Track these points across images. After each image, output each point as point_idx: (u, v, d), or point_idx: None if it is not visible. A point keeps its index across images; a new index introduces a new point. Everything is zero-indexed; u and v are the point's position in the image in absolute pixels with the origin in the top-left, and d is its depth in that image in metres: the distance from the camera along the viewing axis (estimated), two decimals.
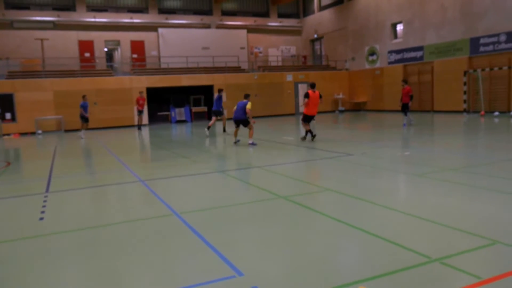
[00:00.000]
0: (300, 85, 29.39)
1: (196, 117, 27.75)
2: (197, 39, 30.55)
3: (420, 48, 24.57)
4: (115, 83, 24.76)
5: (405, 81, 17.44)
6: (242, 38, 32.38)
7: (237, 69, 29.76)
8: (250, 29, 32.90)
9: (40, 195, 7.28)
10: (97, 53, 28.68)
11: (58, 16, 27.29)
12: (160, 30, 29.78)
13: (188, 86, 26.79)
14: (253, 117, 13.35)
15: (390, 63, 26.85)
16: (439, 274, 3.52)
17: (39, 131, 22.59)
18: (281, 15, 34.53)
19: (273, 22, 33.91)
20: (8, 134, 21.69)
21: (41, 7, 27.39)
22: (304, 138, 13.27)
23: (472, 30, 21.52)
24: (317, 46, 34.75)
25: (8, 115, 22.44)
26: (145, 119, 25.16)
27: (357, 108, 30.01)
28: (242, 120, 12.79)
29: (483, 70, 20.83)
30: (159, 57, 29.86)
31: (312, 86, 13.54)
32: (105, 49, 29.79)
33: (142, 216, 5.81)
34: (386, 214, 5.28)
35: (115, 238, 4.90)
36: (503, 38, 20.11)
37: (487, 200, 5.70)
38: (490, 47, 20.72)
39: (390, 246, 4.14)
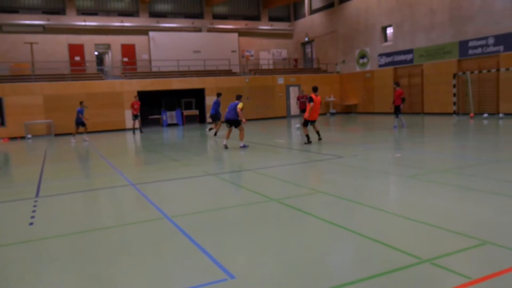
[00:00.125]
0: (291, 88, 29.47)
1: (188, 120, 27.69)
2: (188, 43, 30.52)
3: (410, 51, 24.77)
4: (105, 87, 24.62)
5: (397, 84, 17.57)
6: (233, 41, 32.41)
7: (229, 73, 29.76)
8: (241, 33, 32.95)
9: (30, 200, 7.21)
10: (87, 57, 28.51)
11: (48, 19, 27.09)
12: (151, 33, 29.70)
13: (180, 89, 26.72)
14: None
15: (380, 66, 27.03)
16: (430, 275, 3.54)
17: (29, 136, 22.38)
18: (272, 19, 34.64)
19: (264, 26, 34.01)
20: None
21: (31, 10, 27.18)
22: (308, 142, 13.03)
23: (461, 33, 21.76)
24: (308, 49, 34.89)
25: None
26: (136, 122, 25.04)
27: (348, 111, 30.16)
28: (233, 120, 12.81)
29: (472, 72, 21.06)
30: (150, 61, 29.78)
31: (315, 90, 13.35)
32: (96, 53, 29.63)
33: (134, 220, 5.78)
34: (377, 215, 5.30)
35: (106, 242, 4.87)
36: (491, 41, 20.35)
37: (477, 201, 5.76)
38: (479, 50, 20.96)
39: (382, 247, 4.16)
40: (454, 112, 21.96)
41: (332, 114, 29.88)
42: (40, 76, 24.61)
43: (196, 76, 27.58)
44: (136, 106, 21.63)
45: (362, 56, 28.47)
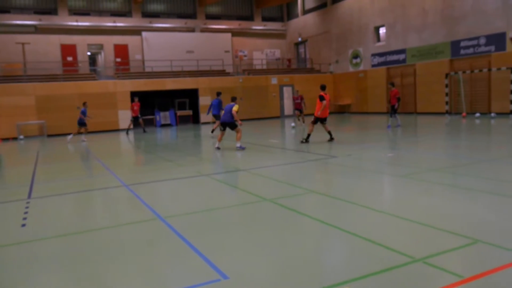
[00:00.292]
0: (285, 88, 29.51)
1: (181, 120, 27.63)
2: (181, 43, 30.46)
3: (402, 51, 24.90)
4: (98, 87, 24.51)
5: (392, 84, 17.66)
6: (227, 41, 32.39)
7: (222, 73, 29.75)
8: (235, 33, 32.94)
9: (22, 201, 7.16)
10: (80, 57, 28.37)
11: (40, 19, 26.91)
12: (144, 33, 29.60)
13: (173, 89, 26.66)
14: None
15: (373, 66, 27.15)
16: (422, 274, 3.57)
17: (21, 136, 22.23)
18: (265, 19, 34.67)
19: (258, 26, 34.02)
20: None
21: (22, 10, 26.98)
22: (306, 141, 13.04)
23: (453, 33, 21.91)
24: (301, 50, 34.95)
25: None
26: (132, 124, 24.97)
27: (341, 111, 30.25)
28: (229, 123, 12.65)
29: (464, 72, 21.21)
30: (143, 61, 29.68)
31: (323, 88, 13.34)
32: (88, 53, 29.49)
33: (127, 220, 5.76)
34: (370, 215, 5.32)
35: (99, 243, 4.85)
36: (482, 41, 20.51)
37: (469, 200, 5.80)
38: (471, 50, 21.12)
39: (375, 247, 4.18)
40: (447, 112, 22.10)
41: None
42: (32, 76, 24.45)
43: (190, 76, 27.54)
44: (135, 108, 21.61)
45: (355, 56, 28.57)
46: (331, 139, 13.15)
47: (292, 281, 3.55)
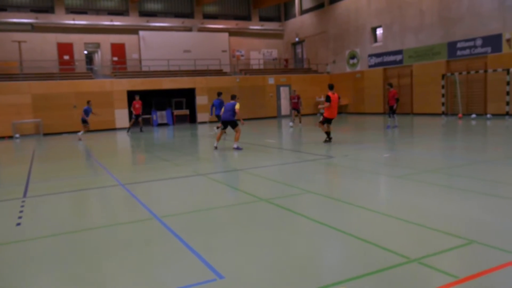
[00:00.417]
0: (282, 88, 29.52)
1: (178, 120, 27.60)
2: (178, 42, 30.42)
3: (399, 52, 24.96)
4: (95, 86, 24.44)
5: (390, 85, 17.69)
6: (224, 41, 32.38)
7: (219, 72, 29.74)
8: (232, 32, 32.92)
9: (17, 200, 7.13)
10: (76, 56, 28.28)
11: (36, 18, 26.81)
12: (141, 32, 29.54)
13: (170, 89, 26.63)
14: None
15: (370, 66, 27.20)
16: (418, 274, 3.58)
17: (17, 135, 22.14)
18: (262, 19, 34.67)
19: (255, 26, 34.02)
20: None
21: (19, 8, 26.87)
22: (329, 140, 13.03)
23: (450, 34, 21.98)
24: (298, 50, 34.97)
25: None
26: (125, 122, 24.93)
27: (338, 111, 30.16)
28: (230, 121, 12.48)
29: (460, 73, 21.28)
30: (140, 60, 29.62)
31: (331, 87, 13.26)
32: (85, 52, 29.40)
33: (123, 220, 5.75)
34: (366, 215, 5.34)
35: (95, 243, 4.84)
36: (479, 42, 20.59)
37: (464, 201, 5.82)
38: (467, 51, 21.19)
39: (370, 247, 4.19)
40: (443, 113, 22.17)
41: (323, 114, 29.94)
42: (29, 75, 24.36)
43: (187, 75, 27.50)
44: (137, 106, 21.63)
45: (352, 56, 28.62)
46: (329, 139, 13.07)
47: (288, 281, 3.56)
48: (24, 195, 7.58)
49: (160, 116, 26.94)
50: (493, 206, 5.51)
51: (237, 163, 10.53)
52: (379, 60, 26.47)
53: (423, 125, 18.12)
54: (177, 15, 31.45)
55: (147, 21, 30.00)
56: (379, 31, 26.80)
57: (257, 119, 27.90)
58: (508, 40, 19.43)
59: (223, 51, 32.10)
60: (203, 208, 6.08)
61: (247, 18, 34.14)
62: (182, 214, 5.85)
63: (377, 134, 15.40)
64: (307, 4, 32.73)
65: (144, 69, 29.14)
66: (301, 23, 33.26)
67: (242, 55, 33.55)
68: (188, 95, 27.85)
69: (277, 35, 35.27)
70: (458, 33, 21.53)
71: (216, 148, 12.75)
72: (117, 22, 29.02)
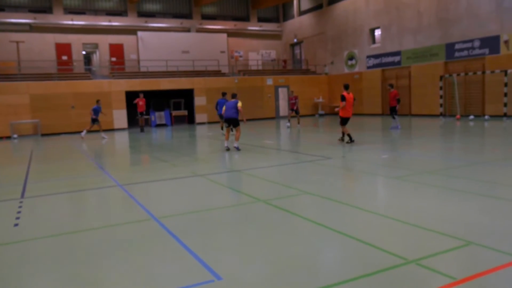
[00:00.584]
0: (280, 89, 29.54)
1: (176, 121, 27.59)
2: (177, 43, 30.41)
3: (397, 53, 25.00)
4: (93, 86, 24.41)
5: (391, 85, 17.74)
6: (222, 42, 32.38)
7: (218, 73, 29.73)
8: (230, 33, 32.93)
9: (15, 201, 7.12)
10: (75, 56, 28.24)
11: (35, 18, 26.78)
12: (139, 33, 29.53)
13: (168, 90, 26.62)
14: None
15: (368, 67, 27.23)
16: (415, 275, 3.58)
17: (15, 135, 22.09)
18: (261, 19, 34.68)
19: (253, 26, 34.03)
20: None
21: (17, 9, 26.83)
22: (342, 140, 12.97)
23: (448, 36, 22.03)
24: (297, 51, 35.00)
25: None
26: (124, 123, 24.91)
27: (336, 112, 30.26)
28: (233, 119, 12.33)
29: (458, 75, 21.32)
30: (138, 61, 29.60)
31: (346, 87, 13.17)
32: (83, 52, 29.37)
33: (121, 221, 5.74)
34: (363, 216, 5.34)
35: (93, 243, 4.83)
36: (477, 44, 20.64)
37: (462, 202, 5.83)
38: (465, 53, 21.24)
39: (368, 248, 4.20)
40: (441, 114, 22.21)
41: (321, 115, 30.01)
42: (27, 75, 24.32)
43: (185, 76, 27.49)
44: (141, 103, 21.67)
45: (351, 57, 28.66)
46: (341, 140, 12.90)
47: (285, 282, 3.56)
48: (22, 195, 7.56)
49: (159, 116, 26.92)
50: (490, 207, 5.52)
51: (235, 164, 10.53)
52: (377, 61, 26.51)
53: (421, 126, 18.15)
54: (176, 15, 31.45)
55: (146, 22, 29.98)
56: (377, 32, 26.84)
57: (255, 119, 27.89)
58: (505, 42, 19.48)
59: (222, 52, 32.10)
60: (201, 209, 6.08)
61: (246, 19, 34.15)
62: (180, 215, 5.84)
63: (375, 135, 15.41)
64: (305, 5, 32.76)
65: (142, 69, 29.12)
66: (300, 24, 33.29)
67: (240, 56, 33.56)
68: (187, 95, 27.84)
69: (276, 36, 35.29)
70: (456, 35, 21.58)
71: (228, 149, 12.43)
72: (116, 22, 28.99)
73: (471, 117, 20.44)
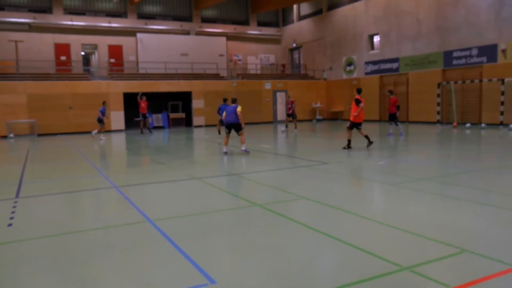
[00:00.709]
0: (278, 94, 29.58)
1: (174, 123, 27.57)
2: (176, 45, 30.45)
3: (395, 60, 25.10)
4: (91, 87, 24.39)
5: (391, 92, 17.76)
6: (222, 45, 32.43)
7: (216, 76, 29.76)
8: (230, 37, 33.00)
9: (9, 201, 7.09)
10: (73, 57, 28.23)
11: (34, 18, 26.78)
12: (138, 35, 29.56)
13: (166, 92, 26.63)
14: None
15: (367, 73, 27.32)
16: (409, 282, 3.58)
17: (11, 135, 22.02)
18: (260, 24, 34.78)
19: (253, 30, 34.12)
20: None
21: (17, 8, 26.83)
22: (348, 147, 12.68)
23: (446, 43, 22.15)
24: (295, 55, 35.10)
25: None
26: (121, 124, 24.87)
27: (334, 117, 30.37)
28: (235, 124, 12.28)
29: (455, 82, 21.42)
30: (137, 62, 29.61)
31: (359, 91, 13.00)
32: (82, 53, 29.36)
33: (116, 222, 5.72)
34: (359, 222, 5.34)
35: (88, 245, 4.81)
36: (474, 52, 20.75)
37: (456, 210, 5.84)
38: (463, 61, 21.35)
39: (363, 254, 4.19)
40: (438, 121, 22.28)
41: (318, 120, 30.07)
42: (25, 75, 24.28)
43: (184, 79, 27.50)
44: (143, 105, 21.72)
45: (349, 63, 28.75)
46: (370, 143, 12.71)
47: (280, 287, 3.55)
48: (17, 195, 7.53)
49: (156, 119, 26.90)
50: (486, 215, 5.53)
51: (231, 167, 10.53)
52: (375, 67, 26.60)
53: (418, 133, 18.20)
54: (175, 18, 31.50)
55: (145, 24, 30.02)
56: (376, 39, 26.95)
57: (253, 123, 27.90)
58: (503, 51, 19.59)
59: (221, 55, 32.15)
60: (197, 212, 6.07)
61: (245, 22, 34.24)
62: (175, 217, 5.83)
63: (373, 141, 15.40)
64: (305, 10, 32.88)
65: (141, 71, 29.12)
66: (299, 29, 33.39)
67: (239, 60, 33.61)
68: (185, 98, 27.85)
69: (275, 41, 35.38)
70: (454, 43, 21.70)
71: (225, 153, 12.42)
72: (115, 24, 29.03)
73: (468, 125, 20.51)
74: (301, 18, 33.35)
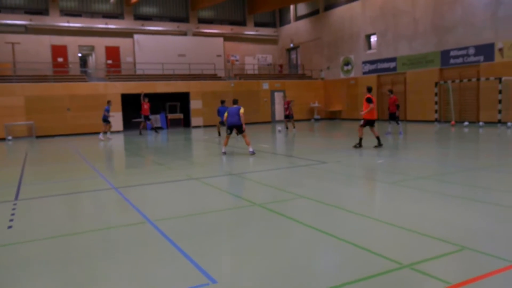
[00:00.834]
0: (276, 94, 29.59)
1: (172, 124, 27.56)
2: (173, 46, 30.42)
3: (393, 59, 25.14)
4: (89, 89, 24.36)
5: (390, 91, 17.79)
6: (219, 46, 32.42)
7: (214, 77, 29.76)
8: (227, 37, 33.00)
9: (8, 203, 7.07)
10: (70, 58, 28.18)
11: (30, 20, 26.71)
12: (136, 36, 29.51)
13: (164, 93, 26.61)
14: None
15: (364, 73, 27.36)
16: (410, 280, 3.59)
17: (9, 137, 21.97)
18: (257, 24, 34.79)
19: (250, 31, 34.13)
20: None
21: (13, 10, 26.75)
22: (359, 146, 12.63)
23: (443, 43, 22.20)
24: (293, 55, 35.12)
25: None
26: (119, 125, 24.83)
27: (332, 117, 30.40)
28: (237, 125, 12.23)
29: (453, 81, 21.47)
30: (134, 64, 29.57)
31: (370, 90, 12.99)
32: (79, 54, 29.30)
33: (115, 223, 5.72)
34: (358, 221, 5.35)
35: (87, 246, 4.80)
36: (471, 51, 20.81)
37: (456, 208, 5.86)
38: (460, 60, 21.40)
39: (363, 252, 4.20)
40: (436, 120, 22.33)
41: (317, 120, 30.09)
42: (22, 77, 24.22)
43: (181, 79, 27.49)
44: (145, 107, 21.78)
45: (347, 63, 28.78)
46: (379, 145, 12.62)
47: (280, 286, 3.55)
48: (16, 197, 7.52)
49: (154, 119, 26.86)
50: (484, 212, 5.55)
51: (230, 167, 10.53)
52: (373, 67, 26.65)
53: (416, 132, 18.24)
54: (172, 19, 31.48)
55: (142, 25, 29.99)
56: (373, 39, 27.00)
57: (251, 124, 27.89)
58: (500, 50, 19.65)
59: (218, 55, 32.14)
60: (196, 212, 6.07)
61: (242, 23, 34.24)
62: (175, 218, 5.83)
63: (371, 141, 15.43)
64: (302, 11, 32.91)
65: (138, 72, 29.08)
66: (296, 29, 33.42)
67: (236, 60, 33.62)
68: (182, 99, 27.83)
69: (272, 41, 35.40)
70: (451, 42, 21.75)
71: (224, 153, 12.47)
72: (112, 25, 28.99)
73: (466, 123, 20.57)
74: (298, 18, 33.38)
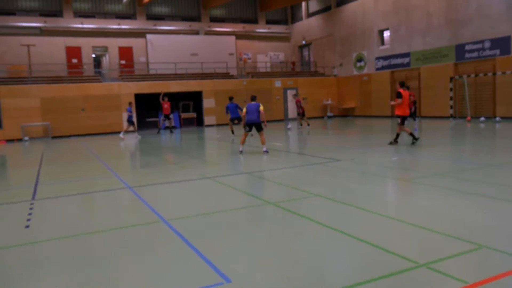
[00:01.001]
0: (289, 91, 29.51)
1: (185, 123, 27.69)
2: (185, 45, 30.54)
3: (406, 55, 24.86)
4: (103, 89, 24.61)
5: (407, 87, 17.55)
6: (231, 44, 32.45)
7: (226, 75, 29.80)
8: (239, 36, 32.99)
9: (26, 203, 7.18)
10: (84, 59, 28.49)
11: (45, 22, 27.07)
12: (148, 36, 29.70)
13: (177, 92, 26.74)
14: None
15: (377, 69, 27.11)
16: (426, 279, 3.54)
17: (26, 138, 22.33)
18: (269, 22, 34.70)
19: (262, 29, 34.06)
20: None
21: (28, 12, 27.14)
22: (395, 142, 12.31)
23: (458, 37, 21.86)
24: (305, 53, 34.96)
25: None
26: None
27: (345, 114, 30.20)
28: (257, 123, 11.85)
29: (468, 76, 21.15)
30: (147, 63, 29.77)
31: (402, 84, 12.67)
32: (93, 55, 29.61)
33: (130, 223, 5.76)
34: (374, 219, 5.30)
35: (103, 245, 4.85)
36: (487, 45, 20.45)
37: (473, 205, 5.77)
38: (475, 54, 21.06)
39: (378, 251, 4.16)
40: (451, 116, 22.03)
41: (330, 117, 29.93)
42: (37, 78, 24.57)
43: (194, 79, 27.60)
44: (166, 106, 22.01)
45: (359, 59, 28.55)
46: (415, 139, 12.10)
47: (295, 286, 3.54)
48: (33, 197, 7.63)
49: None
50: (502, 210, 5.45)
51: (244, 166, 10.53)
52: (386, 63, 26.38)
53: (431, 128, 18.01)
54: (184, 18, 31.59)
55: (155, 25, 30.15)
56: (386, 34, 26.72)
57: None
58: None
59: (230, 54, 32.17)
60: (210, 211, 6.08)
61: (254, 21, 34.19)
62: (189, 217, 5.85)
63: (385, 138, 15.29)
64: (314, 7, 32.73)
65: (151, 72, 29.28)
66: (308, 26, 33.25)
67: (249, 58, 33.60)
68: (195, 98, 27.94)
69: (284, 38, 35.28)
70: (466, 36, 21.41)
71: (241, 152, 12.20)
72: (125, 25, 29.21)
73: (482, 118, 20.24)
74: (309, 15, 33.20)
